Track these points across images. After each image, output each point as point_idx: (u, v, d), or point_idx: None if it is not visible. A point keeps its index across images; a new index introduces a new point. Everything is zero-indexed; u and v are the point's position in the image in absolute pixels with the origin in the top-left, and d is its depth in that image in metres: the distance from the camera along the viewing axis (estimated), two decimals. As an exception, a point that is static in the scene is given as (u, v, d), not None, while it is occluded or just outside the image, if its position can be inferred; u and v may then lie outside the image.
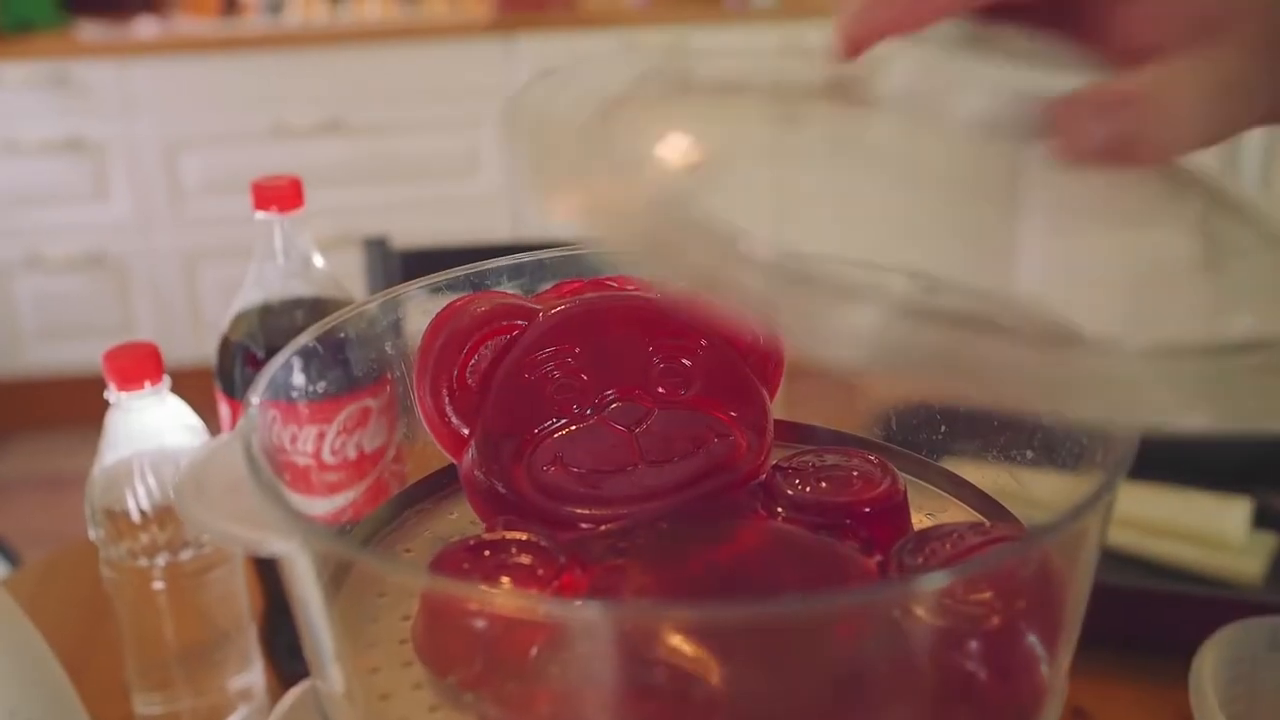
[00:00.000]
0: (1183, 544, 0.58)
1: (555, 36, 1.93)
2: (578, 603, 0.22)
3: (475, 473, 0.29)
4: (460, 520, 0.31)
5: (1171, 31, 0.25)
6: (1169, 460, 0.58)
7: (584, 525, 0.28)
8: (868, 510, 0.29)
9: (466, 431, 0.30)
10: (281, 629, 0.50)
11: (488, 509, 0.29)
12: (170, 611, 0.44)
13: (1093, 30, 0.27)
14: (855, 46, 0.26)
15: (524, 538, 0.26)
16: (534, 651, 0.23)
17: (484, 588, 0.25)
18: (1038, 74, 0.26)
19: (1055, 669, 0.27)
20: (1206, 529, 0.58)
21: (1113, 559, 0.58)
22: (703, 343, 0.31)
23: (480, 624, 0.23)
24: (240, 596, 0.46)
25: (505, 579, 0.25)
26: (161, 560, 0.43)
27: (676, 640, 0.22)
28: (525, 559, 0.26)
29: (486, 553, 0.26)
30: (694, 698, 0.22)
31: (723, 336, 0.31)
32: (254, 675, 0.47)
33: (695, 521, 0.29)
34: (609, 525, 0.28)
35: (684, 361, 0.31)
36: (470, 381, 0.30)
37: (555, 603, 0.21)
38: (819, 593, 0.24)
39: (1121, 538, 0.59)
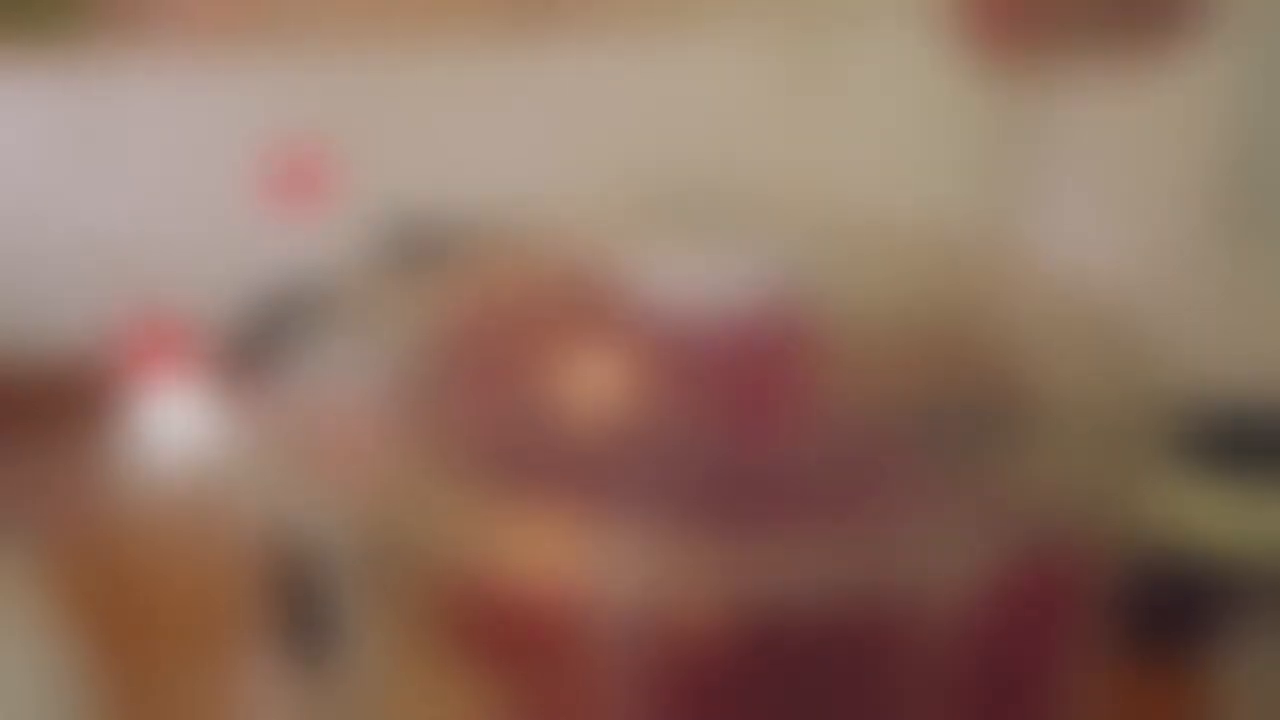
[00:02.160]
0: (1202, 533, 0.58)
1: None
2: (611, 583, 0.22)
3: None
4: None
5: None
6: (1187, 446, 0.57)
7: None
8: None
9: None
10: (300, 612, 0.50)
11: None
12: (181, 596, 0.44)
13: None
14: None
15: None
16: (566, 635, 0.23)
17: (512, 569, 0.25)
18: None
19: (1080, 663, 0.27)
20: (1226, 518, 0.58)
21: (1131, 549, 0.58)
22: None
23: (510, 607, 0.23)
24: (254, 580, 0.46)
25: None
26: (181, 550, 0.43)
27: (708, 624, 0.22)
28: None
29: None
30: (726, 689, 0.22)
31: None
32: (268, 662, 0.47)
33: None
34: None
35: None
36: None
37: (587, 584, 0.22)
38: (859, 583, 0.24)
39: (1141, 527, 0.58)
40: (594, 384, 0.30)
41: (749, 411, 0.30)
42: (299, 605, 0.50)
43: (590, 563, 0.26)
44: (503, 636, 0.25)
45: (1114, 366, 0.28)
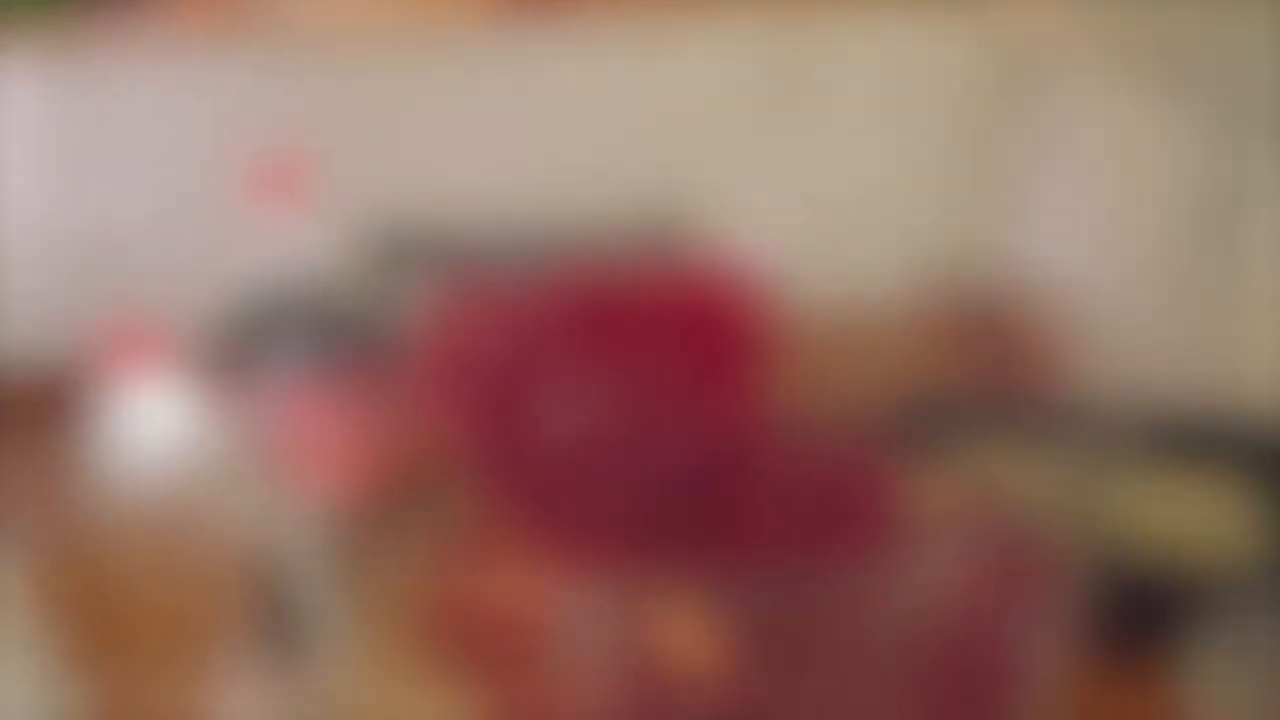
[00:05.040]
0: (1172, 532, 0.58)
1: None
2: (585, 588, 0.22)
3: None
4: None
5: None
6: (1158, 445, 0.57)
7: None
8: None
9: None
10: (277, 614, 0.50)
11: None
12: (165, 602, 0.44)
13: None
14: None
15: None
16: (540, 637, 0.23)
17: (489, 577, 0.25)
18: None
19: (1044, 662, 0.27)
20: (1196, 517, 0.58)
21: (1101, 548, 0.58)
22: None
23: (486, 617, 0.24)
24: (236, 586, 0.46)
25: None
26: (159, 552, 0.43)
27: (680, 622, 0.22)
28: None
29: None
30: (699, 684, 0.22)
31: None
32: (246, 664, 0.47)
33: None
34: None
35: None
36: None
37: (563, 589, 0.22)
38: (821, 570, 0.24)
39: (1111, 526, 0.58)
40: (572, 395, 0.30)
41: (728, 417, 0.30)
42: (276, 608, 0.50)
43: (566, 570, 0.26)
44: (479, 645, 0.25)
45: (1090, 373, 0.29)
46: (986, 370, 0.30)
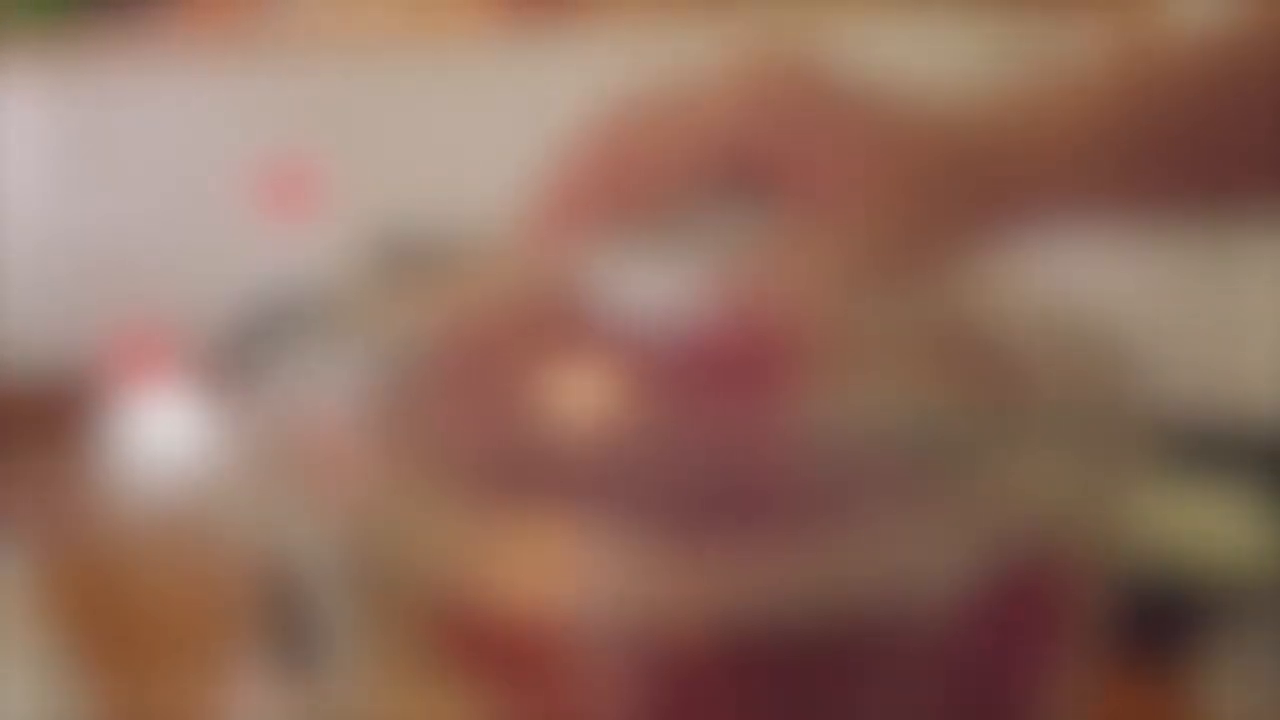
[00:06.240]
0: (1188, 541, 0.58)
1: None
2: (597, 596, 0.22)
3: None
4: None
5: None
6: (1174, 455, 0.57)
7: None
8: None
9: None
10: (288, 622, 0.50)
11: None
12: (175, 608, 0.44)
13: None
14: None
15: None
16: (554, 647, 0.23)
17: (498, 581, 0.25)
18: None
19: (1065, 672, 0.27)
20: (1213, 526, 0.58)
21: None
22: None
23: (496, 619, 0.24)
24: (243, 589, 0.46)
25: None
26: (168, 559, 0.43)
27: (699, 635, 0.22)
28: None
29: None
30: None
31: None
32: (256, 671, 0.47)
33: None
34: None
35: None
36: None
37: (574, 596, 0.22)
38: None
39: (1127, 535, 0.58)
40: (578, 396, 0.30)
41: (731, 420, 0.30)
42: (287, 615, 0.49)
43: (577, 575, 0.26)
44: (490, 648, 0.25)
45: (1101, 380, 0.29)
46: (1001, 383, 0.30)
